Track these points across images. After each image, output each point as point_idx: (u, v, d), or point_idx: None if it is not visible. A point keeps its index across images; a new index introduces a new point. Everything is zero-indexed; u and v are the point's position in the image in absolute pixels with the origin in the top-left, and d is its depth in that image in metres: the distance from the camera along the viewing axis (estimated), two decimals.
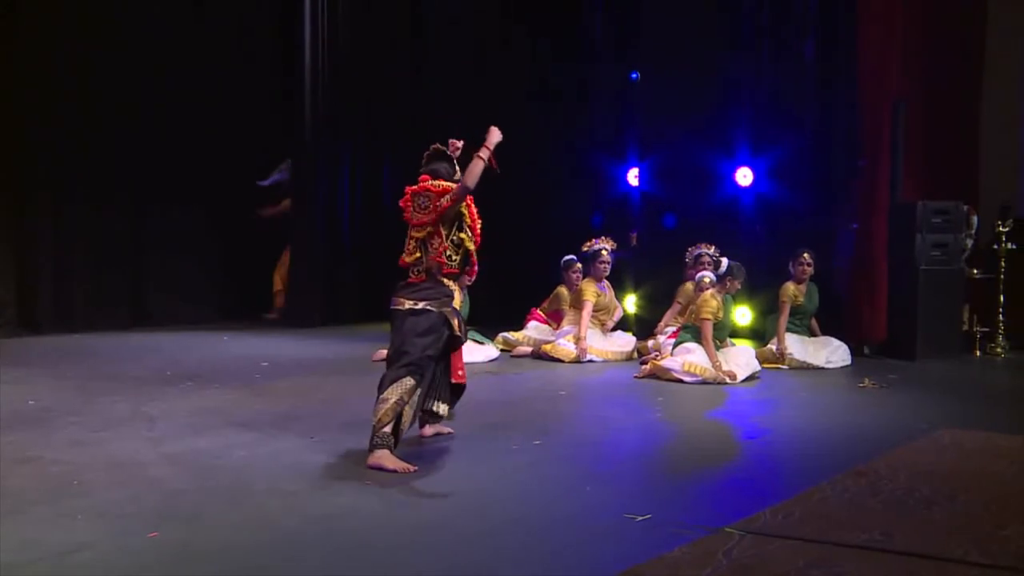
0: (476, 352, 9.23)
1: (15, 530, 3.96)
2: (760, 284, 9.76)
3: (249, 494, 4.55)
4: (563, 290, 10.03)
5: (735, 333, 9.71)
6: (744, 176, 11.01)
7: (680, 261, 9.83)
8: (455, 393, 5.76)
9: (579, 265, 9.94)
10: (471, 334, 9.36)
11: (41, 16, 10.42)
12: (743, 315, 10.32)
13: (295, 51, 12.12)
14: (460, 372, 5.68)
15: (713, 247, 9.10)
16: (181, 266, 10.27)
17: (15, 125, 10.39)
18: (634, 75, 11.90)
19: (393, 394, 5.08)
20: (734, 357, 8.38)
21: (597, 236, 9.84)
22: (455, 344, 5.52)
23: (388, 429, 5.04)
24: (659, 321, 9.85)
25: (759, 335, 9.82)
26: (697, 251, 9.09)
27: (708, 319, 8.26)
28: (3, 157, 10.43)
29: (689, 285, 9.31)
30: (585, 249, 9.60)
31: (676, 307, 9.60)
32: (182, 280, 11.27)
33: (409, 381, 5.13)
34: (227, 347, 10.10)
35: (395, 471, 4.90)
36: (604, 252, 9.52)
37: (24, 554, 3.68)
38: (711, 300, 8.33)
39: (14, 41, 10.32)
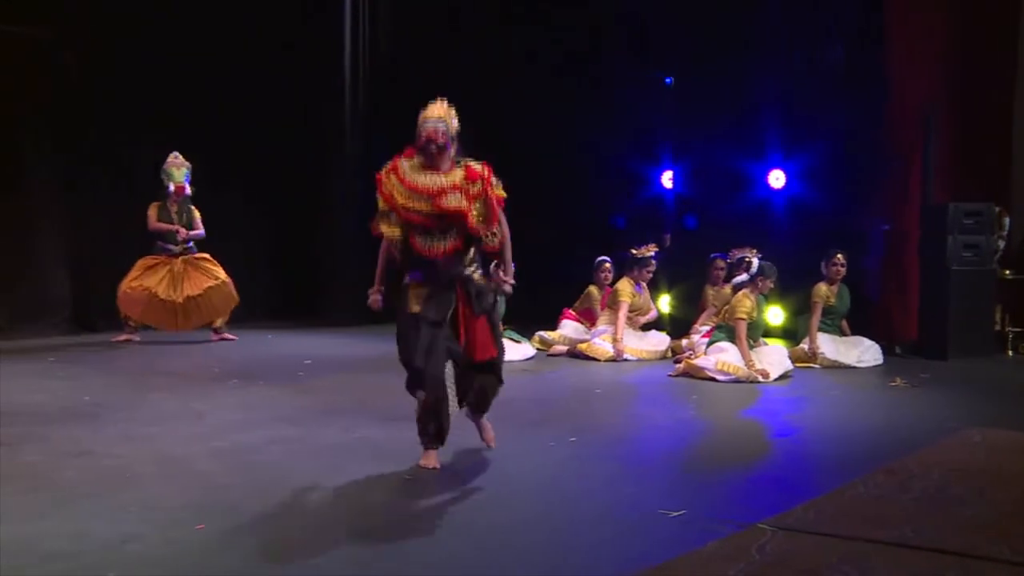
0: (513, 351, 9.24)
1: (69, 521, 4.01)
2: (792, 285, 9.70)
3: (291, 489, 4.57)
4: (593, 289, 10.08)
5: (768, 333, 9.65)
6: (777, 179, 10.97)
7: (707, 263, 9.82)
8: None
9: (608, 265, 9.98)
10: (508, 333, 9.38)
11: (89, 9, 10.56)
12: (775, 315, 10.26)
13: (336, 48, 12.18)
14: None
15: (755, 250, 9.02)
16: (229, 267, 10.33)
17: (64, 132, 10.48)
18: (668, 80, 11.88)
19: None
20: (767, 356, 8.34)
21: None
22: None
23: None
24: (694, 321, 9.82)
25: (791, 335, 9.77)
26: (740, 255, 9.02)
27: (743, 319, 8.22)
28: (57, 165, 10.57)
29: (725, 289, 9.28)
30: (636, 253, 9.55)
31: (711, 309, 9.56)
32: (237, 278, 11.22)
33: None
34: (272, 345, 10.17)
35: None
36: (654, 262, 9.53)
37: (77, 544, 3.72)
38: (745, 300, 8.29)
39: (75, 35, 10.43)
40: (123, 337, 9.96)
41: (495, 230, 4.86)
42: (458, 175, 4.76)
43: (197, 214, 10.11)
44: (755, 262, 8.56)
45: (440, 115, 4.79)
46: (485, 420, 5.34)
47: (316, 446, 5.49)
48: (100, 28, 10.62)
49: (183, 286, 9.88)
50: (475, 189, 4.75)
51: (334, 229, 12.34)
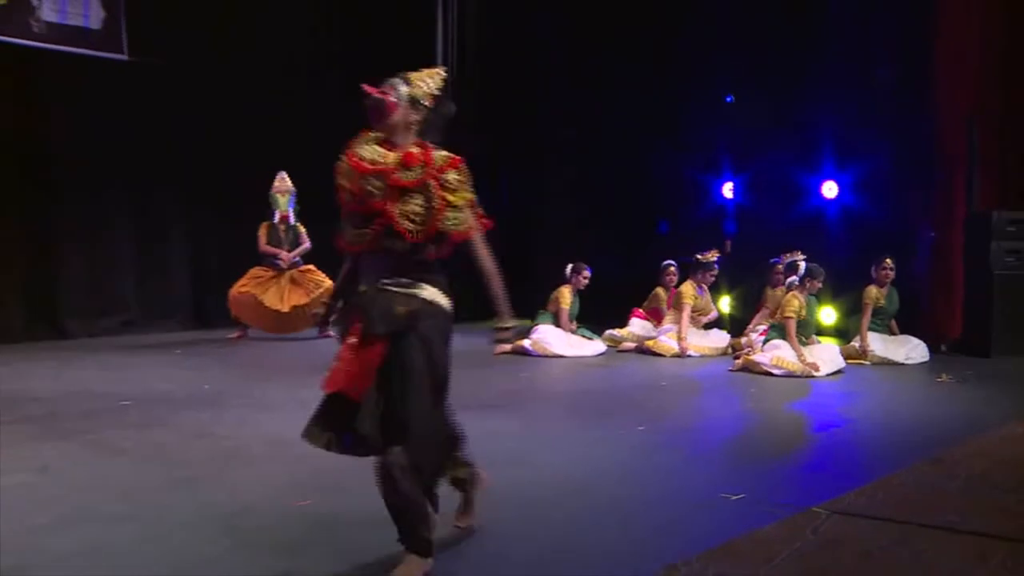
0: (585, 347, 9.26)
1: (193, 494, 4.11)
2: (844, 287, 9.56)
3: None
4: (660, 291, 10.06)
5: (821, 331, 9.51)
6: (829, 189, 10.81)
7: (767, 267, 9.69)
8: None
9: (673, 268, 9.95)
10: (582, 330, 9.40)
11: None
12: (828, 315, 10.11)
13: (427, 57, 12.20)
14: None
15: (799, 252, 8.91)
16: (333, 269, 10.32)
17: (178, 142, 10.62)
18: (729, 98, 11.76)
19: None
20: (819, 353, 8.22)
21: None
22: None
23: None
24: (749, 321, 9.72)
25: (843, 334, 9.61)
26: (792, 259, 8.90)
27: (791, 317, 8.15)
28: (180, 185, 10.78)
29: (777, 291, 9.20)
30: (699, 258, 9.51)
31: (765, 311, 9.45)
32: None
33: None
34: None
35: None
36: (716, 267, 9.49)
37: (200, 513, 3.81)
38: (793, 300, 8.23)
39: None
40: (236, 334, 10.08)
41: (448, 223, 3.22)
42: (399, 156, 3.25)
43: (302, 229, 10.17)
44: (802, 265, 8.48)
45: (407, 75, 3.34)
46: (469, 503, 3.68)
47: None
48: (207, 51, 10.73)
49: (289, 296, 9.86)
50: (407, 177, 3.20)
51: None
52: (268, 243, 10.07)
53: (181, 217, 10.99)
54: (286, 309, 9.79)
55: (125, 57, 10.24)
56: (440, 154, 3.28)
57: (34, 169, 9.79)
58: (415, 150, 3.26)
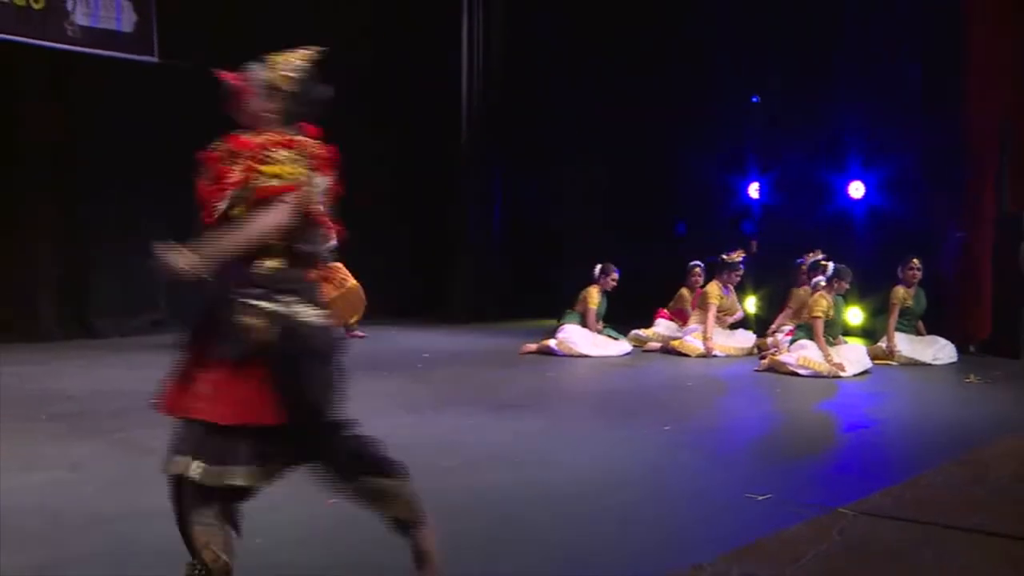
0: (611, 347, 9.24)
1: None
2: (871, 288, 9.49)
3: (412, 469, 4.60)
4: (685, 291, 10.02)
5: (848, 332, 9.43)
6: (856, 189, 10.74)
7: (792, 267, 9.63)
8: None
9: (699, 269, 9.90)
10: (607, 330, 9.37)
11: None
12: (855, 315, 10.03)
13: (453, 61, 12.18)
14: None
15: (819, 251, 8.88)
16: (361, 268, 10.30)
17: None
18: (755, 98, 11.68)
19: None
20: (846, 354, 8.15)
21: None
22: None
23: None
24: (774, 322, 9.66)
25: (870, 334, 9.53)
26: (815, 258, 8.84)
27: (819, 317, 8.09)
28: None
29: (800, 290, 9.14)
30: (725, 259, 9.47)
31: (788, 311, 9.39)
32: (362, 280, 11.25)
33: None
34: (394, 339, 10.29)
35: None
36: (741, 267, 9.46)
37: None
38: (821, 300, 8.17)
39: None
40: None
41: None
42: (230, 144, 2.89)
43: None
44: (830, 265, 8.42)
45: (274, 59, 2.93)
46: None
47: (433, 430, 5.52)
48: (231, 52, 10.72)
49: None
50: (229, 162, 2.87)
51: (453, 234, 12.35)
52: None
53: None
54: None
55: (156, 60, 10.32)
56: (281, 137, 2.83)
57: (66, 170, 9.90)
58: (259, 138, 2.83)
